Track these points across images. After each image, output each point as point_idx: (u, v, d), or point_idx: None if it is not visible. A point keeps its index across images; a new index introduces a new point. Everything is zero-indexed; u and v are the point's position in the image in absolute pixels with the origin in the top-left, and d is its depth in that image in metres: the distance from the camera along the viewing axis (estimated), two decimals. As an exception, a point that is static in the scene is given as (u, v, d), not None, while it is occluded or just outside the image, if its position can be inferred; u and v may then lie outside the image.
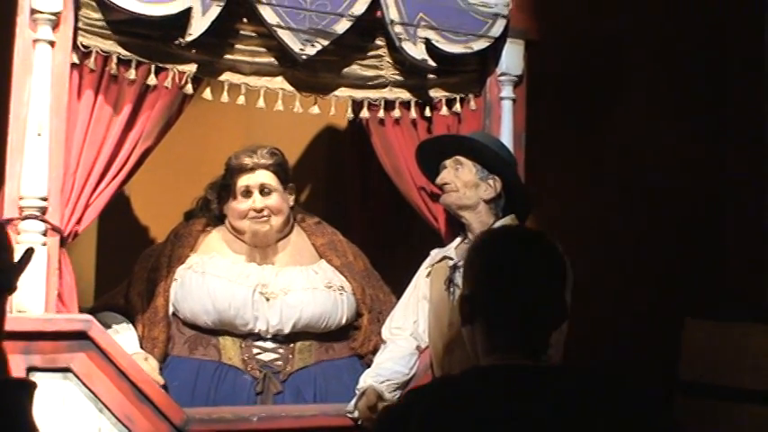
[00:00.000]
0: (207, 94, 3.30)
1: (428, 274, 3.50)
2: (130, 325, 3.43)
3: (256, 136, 4.19)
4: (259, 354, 3.48)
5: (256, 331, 3.48)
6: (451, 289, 3.34)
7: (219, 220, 3.69)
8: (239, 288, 3.47)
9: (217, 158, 3.76)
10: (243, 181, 3.57)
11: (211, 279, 3.49)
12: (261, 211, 3.57)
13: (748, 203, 4.52)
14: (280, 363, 3.49)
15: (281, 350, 3.50)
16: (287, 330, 3.49)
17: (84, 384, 3.01)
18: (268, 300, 3.48)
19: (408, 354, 3.44)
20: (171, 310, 3.50)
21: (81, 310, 3.17)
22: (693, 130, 4.61)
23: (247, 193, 3.58)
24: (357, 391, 3.32)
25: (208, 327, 3.48)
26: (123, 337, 3.30)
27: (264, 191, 3.58)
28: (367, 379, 3.34)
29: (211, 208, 3.68)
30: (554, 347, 2.22)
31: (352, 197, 4.34)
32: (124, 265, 3.69)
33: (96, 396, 3.02)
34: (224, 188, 3.64)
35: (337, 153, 4.49)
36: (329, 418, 3.31)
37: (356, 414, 3.29)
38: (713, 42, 4.64)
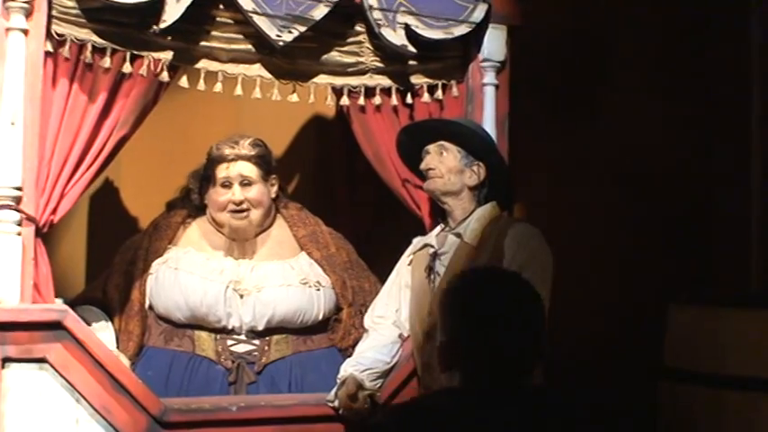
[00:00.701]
0: (183, 81, 3.26)
1: (409, 263, 3.47)
2: (109, 323, 3.42)
3: (246, 124, 4.16)
4: (234, 345, 3.46)
5: (230, 328, 3.45)
6: (432, 276, 3.32)
7: (201, 210, 3.65)
8: (212, 285, 3.44)
9: (207, 147, 3.70)
10: (223, 172, 3.53)
11: (184, 276, 3.46)
12: (240, 203, 3.52)
13: (734, 189, 4.49)
14: (256, 354, 3.46)
15: (256, 342, 3.47)
16: (261, 327, 3.46)
17: (60, 375, 3.00)
18: (242, 296, 3.45)
19: (390, 342, 3.41)
20: (147, 303, 3.48)
21: (64, 302, 3.16)
22: (680, 118, 4.58)
23: (227, 184, 3.53)
24: (338, 380, 3.30)
25: (181, 322, 3.46)
26: (99, 336, 3.27)
27: (244, 182, 3.53)
28: (347, 368, 3.31)
29: (192, 198, 3.64)
30: None
31: (340, 184, 4.32)
32: (114, 255, 3.67)
33: (73, 386, 3.01)
34: (205, 178, 3.60)
35: (326, 140, 4.46)
36: (309, 407, 3.28)
37: (336, 403, 3.27)
38: (700, 27, 4.60)
